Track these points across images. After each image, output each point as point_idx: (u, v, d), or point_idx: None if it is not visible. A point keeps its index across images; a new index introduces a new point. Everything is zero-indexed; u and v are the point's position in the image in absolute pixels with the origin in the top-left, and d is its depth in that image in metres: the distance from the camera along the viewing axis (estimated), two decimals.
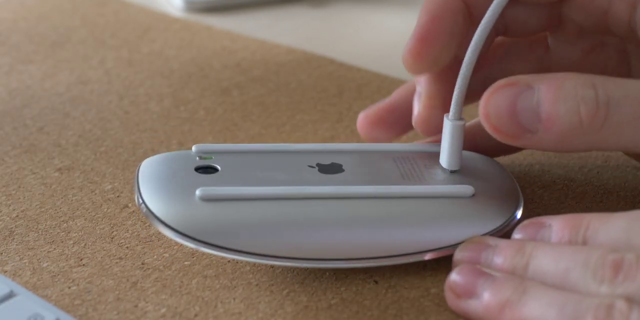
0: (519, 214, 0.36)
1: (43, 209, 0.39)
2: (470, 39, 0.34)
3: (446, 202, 0.35)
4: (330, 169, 0.37)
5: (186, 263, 0.36)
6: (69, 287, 0.34)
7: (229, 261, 0.36)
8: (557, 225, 0.33)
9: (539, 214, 0.39)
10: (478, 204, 0.35)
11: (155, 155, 0.37)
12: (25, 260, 0.36)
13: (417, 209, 0.34)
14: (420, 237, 0.34)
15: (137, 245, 0.37)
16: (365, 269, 0.35)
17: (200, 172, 0.36)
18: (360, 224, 0.34)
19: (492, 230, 0.34)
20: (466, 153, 0.39)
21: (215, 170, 0.36)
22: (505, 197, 0.36)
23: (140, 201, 0.34)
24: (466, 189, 0.35)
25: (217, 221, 0.33)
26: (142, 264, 0.36)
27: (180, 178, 0.35)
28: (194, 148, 0.37)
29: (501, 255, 0.32)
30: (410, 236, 0.34)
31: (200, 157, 0.37)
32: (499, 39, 0.39)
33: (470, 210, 0.35)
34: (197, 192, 0.34)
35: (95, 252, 0.36)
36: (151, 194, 0.34)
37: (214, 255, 0.36)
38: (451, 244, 0.34)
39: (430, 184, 0.36)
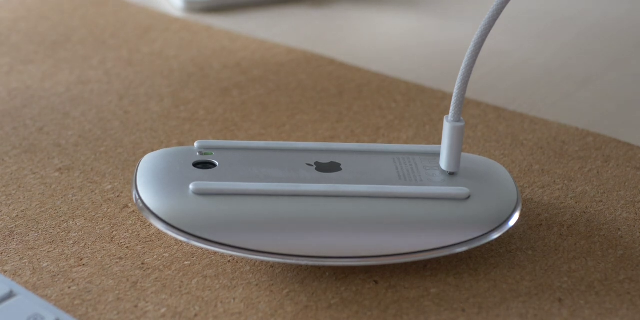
0: (514, 218, 0.36)
1: (43, 209, 0.39)
2: None
3: (440, 204, 0.35)
4: (328, 167, 0.37)
5: (186, 263, 0.36)
6: (69, 287, 0.34)
7: (228, 261, 0.36)
8: None
9: (539, 214, 0.39)
10: (472, 207, 0.35)
11: (157, 151, 0.37)
12: (25, 260, 0.36)
13: (410, 209, 0.34)
14: (410, 237, 0.34)
15: (137, 245, 0.37)
16: (366, 269, 0.35)
17: (198, 167, 0.36)
18: (350, 223, 0.34)
19: (484, 234, 0.34)
20: (468, 155, 0.39)
21: (213, 165, 0.36)
22: (502, 201, 0.36)
23: (136, 194, 0.35)
24: (461, 191, 0.35)
25: (208, 215, 0.33)
26: (142, 264, 0.36)
27: (176, 173, 0.35)
28: (196, 144, 0.37)
29: None
30: (400, 236, 0.34)
31: (201, 153, 0.37)
32: None
33: (463, 212, 0.35)
34: (191, 186, 0.34)
35: (95, 252, 0.36)
36: (146, 187, 0.35)
37: (214, 255, 0.36)
38: (441, 245, 0.34)
39: (427, 185, 0.36)
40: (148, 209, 0.34)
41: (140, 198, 0.34)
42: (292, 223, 0.33)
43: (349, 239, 0.34)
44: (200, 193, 0.34)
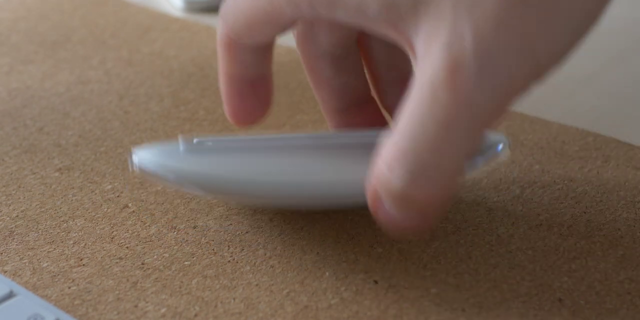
0: (502, 147, 0.36)
1: (43, 209, 0.39)
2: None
3: None
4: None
5: (186, 263, 0.36)
6: (69, 287, 0.34)
7: (228, 261, 0.36)
8: None
9: (539, 214, 0.39)
10: None
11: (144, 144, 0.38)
12: (25, 260, 0.36)
13: None
14: None
15: (137, 245, 0.37)
16: (365, 269, 0.35)
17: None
18: (339, 169, 0.35)
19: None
20: None
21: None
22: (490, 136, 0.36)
23: (132, 160, 0.36)
24: None
25: (203, 169, 0.35)
26: (142, 264, 0.36)
27: (170, 145, 0.37)
28: (194, 140, 0.38)
29: None
30: None
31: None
32: None
33: None
34: (181, 143, 0.35)
35: (95, 252, 0.36)
36: (142, 152, 0.36)
37: (214, 255, 0.36)
38: None
39: None
40: (145, 170, 0.35)
41: (136, 162, 0.36)
42: (285, 169, 0.35)
43: (345, 183, 0.34)
44: (193, 150, 0.35)
